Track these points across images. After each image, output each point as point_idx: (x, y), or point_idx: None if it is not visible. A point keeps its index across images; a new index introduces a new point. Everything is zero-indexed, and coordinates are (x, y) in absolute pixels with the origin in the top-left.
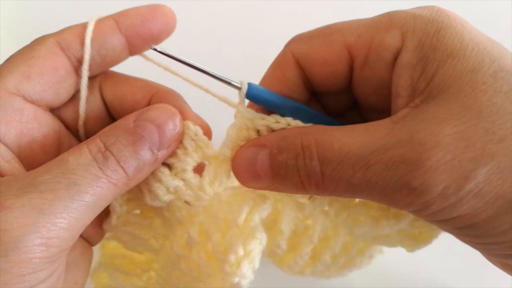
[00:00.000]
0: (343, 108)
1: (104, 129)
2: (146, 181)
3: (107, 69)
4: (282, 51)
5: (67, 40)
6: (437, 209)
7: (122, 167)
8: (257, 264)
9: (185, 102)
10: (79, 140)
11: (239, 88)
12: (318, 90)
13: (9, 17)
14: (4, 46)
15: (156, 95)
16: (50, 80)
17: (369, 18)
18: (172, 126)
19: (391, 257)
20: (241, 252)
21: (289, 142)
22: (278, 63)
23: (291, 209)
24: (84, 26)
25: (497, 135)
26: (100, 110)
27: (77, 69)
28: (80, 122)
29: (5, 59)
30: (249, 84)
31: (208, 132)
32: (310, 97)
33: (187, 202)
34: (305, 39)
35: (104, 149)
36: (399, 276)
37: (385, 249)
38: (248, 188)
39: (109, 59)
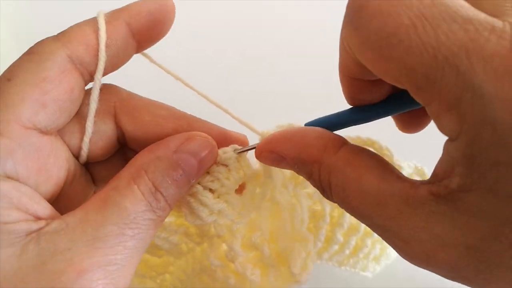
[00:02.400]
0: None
1: (146, 160)
2: (187, 203)
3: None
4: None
5: (79, 53)
6: None
7: (169, 205)
8: (315, 258)
9: (220, 127)
10: (80, 161)
11: None
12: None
13: (9, 17)
14: (4, 46)
15: (189, 129)
16: (65, 104)
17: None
18: (211, 158)
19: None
20: (303, 254)
21: (309, 170)
22: (342, 41)
23: (305, 200)
24: (94, 29)
25: None
26: (109, 141)
27: (87, 83)
28: (86, 139)
29: (5, 59)
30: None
31: (245, 143)
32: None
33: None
34: (359, 40)
35: (154, 190)
36: (399, 276)
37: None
38: (279, 199)
39: (119, 65)
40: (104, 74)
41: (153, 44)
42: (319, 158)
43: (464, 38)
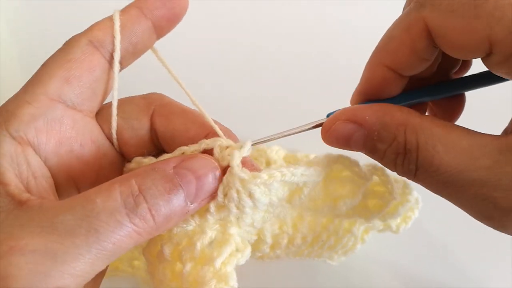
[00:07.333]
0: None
1: (141, 169)
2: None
3: (139, 56)
4: (413, 14)
5: (98, 37)
6: None
7: (152, 216)
8: None
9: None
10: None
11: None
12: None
13: (9, 17)
14: (4, 46)
15: (211, 136)
16: (88, 82)
17: None
18: (212, 180)
19: (391, 257)
20: None
21: (391, 134)
22: (408, 28)
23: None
24: (110, 19)
25: None
26: (142, 139)
27: (112, 64)
28: (114, 124)
29: (6, 59)
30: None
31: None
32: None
33: None
34: (444, 12)
35: (137, 192)
36: (399, 276)
37: (385, 249)
38: (232, 232)
39: (140, 46)
40: (128, 55)
41: (171, 27)
42: (405, 120)
43: None
